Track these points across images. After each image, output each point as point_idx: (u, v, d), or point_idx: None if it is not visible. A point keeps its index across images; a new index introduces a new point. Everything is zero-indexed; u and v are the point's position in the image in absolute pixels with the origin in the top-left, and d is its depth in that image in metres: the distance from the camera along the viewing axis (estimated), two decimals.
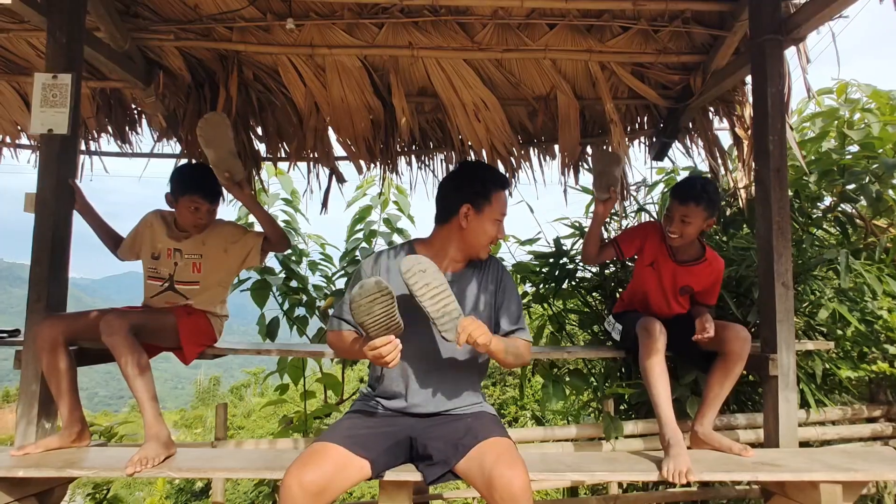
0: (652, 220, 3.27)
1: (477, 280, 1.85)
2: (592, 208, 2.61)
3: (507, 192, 1.86)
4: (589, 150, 3.62)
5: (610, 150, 2.49)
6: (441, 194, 1.87)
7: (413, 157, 3.63)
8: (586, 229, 3.47)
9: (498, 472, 1.46)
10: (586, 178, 3.67)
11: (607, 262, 3.42)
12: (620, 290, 3.32)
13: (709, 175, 3.57)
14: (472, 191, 1.80)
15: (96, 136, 3.51)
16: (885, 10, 2.09)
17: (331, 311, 1.96)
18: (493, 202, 1.80)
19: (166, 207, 2.45)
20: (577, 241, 3.48)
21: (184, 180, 2.33)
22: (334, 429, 1.67)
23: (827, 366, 2.93)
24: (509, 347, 1.75)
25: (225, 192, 2.42)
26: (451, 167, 3.62)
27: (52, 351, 2.03)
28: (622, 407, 3.26)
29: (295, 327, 3.67)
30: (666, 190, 3.70)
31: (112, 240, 2.53)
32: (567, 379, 2.94)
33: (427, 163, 3.67)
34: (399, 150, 3.54)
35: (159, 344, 2.32)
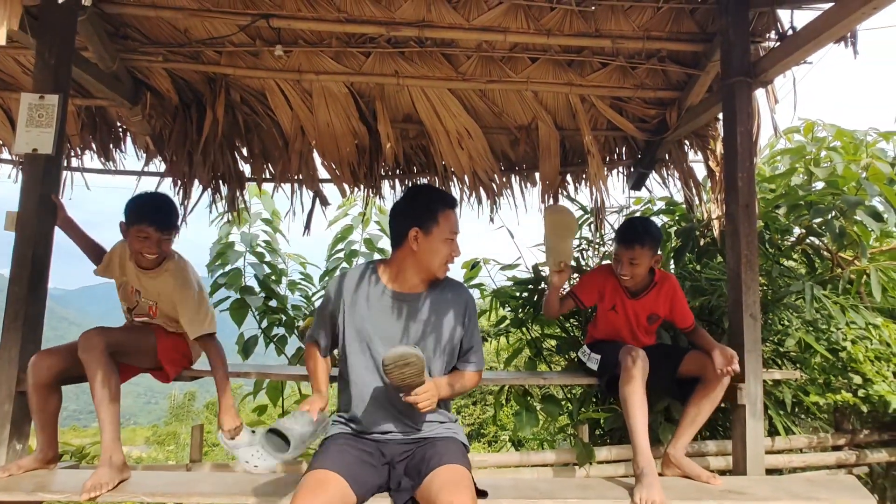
0: (604, 263, 3.24)
1: (443, 304, 1.88)
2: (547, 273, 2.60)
3: (455, 211, 1.88)
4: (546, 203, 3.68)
5: (561, 214, 2.48)
6: (391, 220, 1.91)
7: (397, 181, 3.69)
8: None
9: (442, 498, 1.48)
10: (566, 205, 3.76)
11: None
12: (589, 308, 3.38)
13: (683, 206, 3.69)
14: (418, 214, 1.82)
15: (80, 152, 3.51)
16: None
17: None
18: (441, 222, 1.81)
19: None
20: None
21: (135, 209, 2.26)
22: (328, 456, 1.68)
23: (797, 394, 3.02)
24: (455, 389, 1.88)
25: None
26: None
27: (44, 390, 2.04)
28: (597, 432, 3.30)
29: (273, 347, 3.68)
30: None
31: (94, 253, 2.49)
32: (539, 406, 2.98)
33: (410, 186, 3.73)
34: (383, 174, 3.60)
35: (138, 365, 2.31)
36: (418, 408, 1.66)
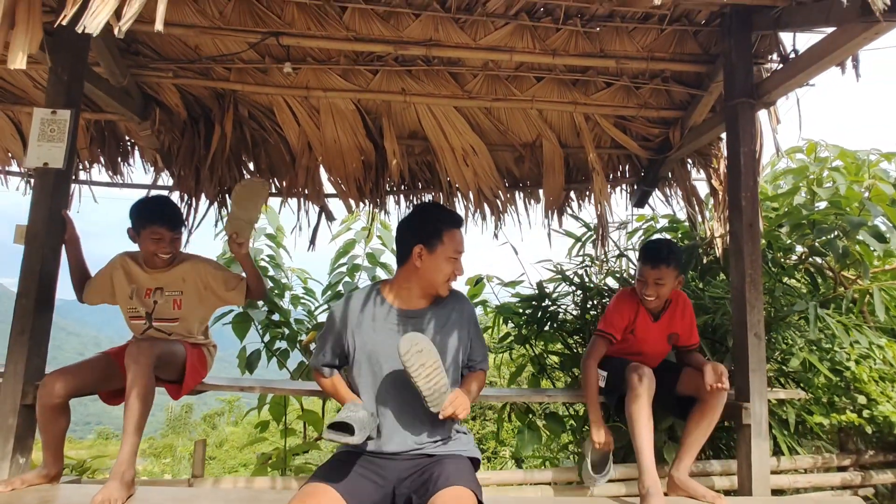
0: (623, 289, 3.11)
1: (446, 318, 1.90)
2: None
3: (461, 231, 1.90)
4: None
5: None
6: (397, 237, 1.94)
7: (402, 196, 3.71)
8: (567, 272, 3.57)
9: None
10: (569, 223, 3.79)
11: (587, 305, 3.50)
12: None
13: (686, 224, 3.70)
14: (423, 231, 1.85)
15: (88, 166, 3.54)
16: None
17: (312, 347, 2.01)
18: (446, 241, 1.83)
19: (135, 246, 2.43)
20: (559, 284, 3.57)
21: (144, 212, 2.33)
22: (326, 470, 1.68)
23: (801, 414, 3.01)
24: (476, 392, 1.92)
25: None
26: None
27: (54, 411, 2.05)
28: None
29: (275, 360, 3.68)
30: (645, 238, 3.81)
31: (81, 279, 2.47)
32: (542, 423, 2.97)
33: (416, 203, 3.75)
34: (388, 189, 3.62)
35: (159, 376, 2.30)
36: (457, 417, 1.68)
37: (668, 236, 3.93)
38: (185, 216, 3.32)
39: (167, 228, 2.31)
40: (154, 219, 2.30)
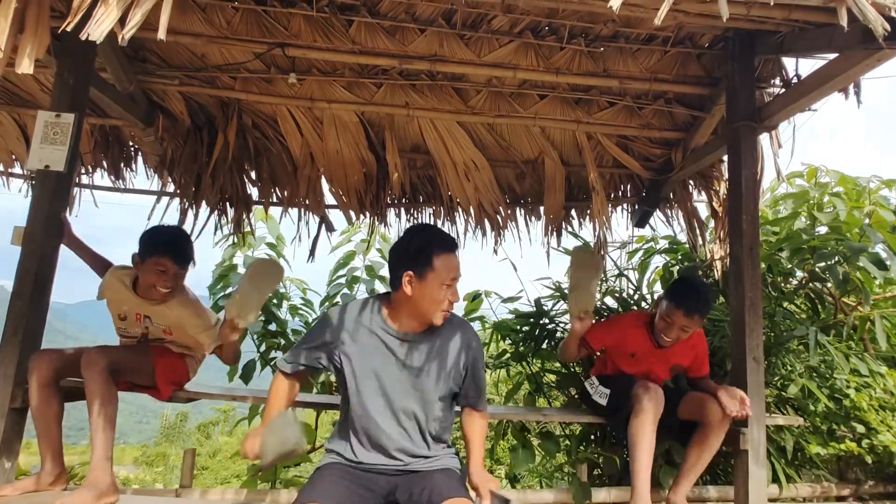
0: (635, 312, 3.09)
1: (445, 342, 1.82)
2: (568, 318, 2.52)
3: (455, 254, 1.78)
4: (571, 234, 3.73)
5: (589, 254, 2.35)
6: (389, 262, 1.85)
7: (402, 209, 3.72)
8: (566, 290, 3.55)
9: None
10: (569, 241, 3.78)
11: None
12: (599, 353, 3.36)
13: (686, 245, 3.69)
14: (412, 257, 1.73)
15: (91, 170, 3.55)
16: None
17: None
18: (437, 266, 1.71)
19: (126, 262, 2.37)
20: (558, 302, 3.54)
21: (153, 241, 2.24)
22: (318, 487, 1.65)
23: (799, 441, 2.97)
24: (482, 442, 1.88)
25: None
26: (441, 221, 3.71)
27: (45, 387, 2.02)
28: (596, 472, 3.24)
29: (270, 370, 3.64)
30: (645, 258, 3.79)
31: (103, 270, 2.44)
32: (538, 442, 2.94)
33: (416, 216, 3.77)
34: (389, 202, 3.63)
35: (133, 381, 2.29)
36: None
37: (667, 258, 3.91)
38: (183, 222, 3.33)
39: (174, 262, 2.21)
40: (162, 250, 2.20)
